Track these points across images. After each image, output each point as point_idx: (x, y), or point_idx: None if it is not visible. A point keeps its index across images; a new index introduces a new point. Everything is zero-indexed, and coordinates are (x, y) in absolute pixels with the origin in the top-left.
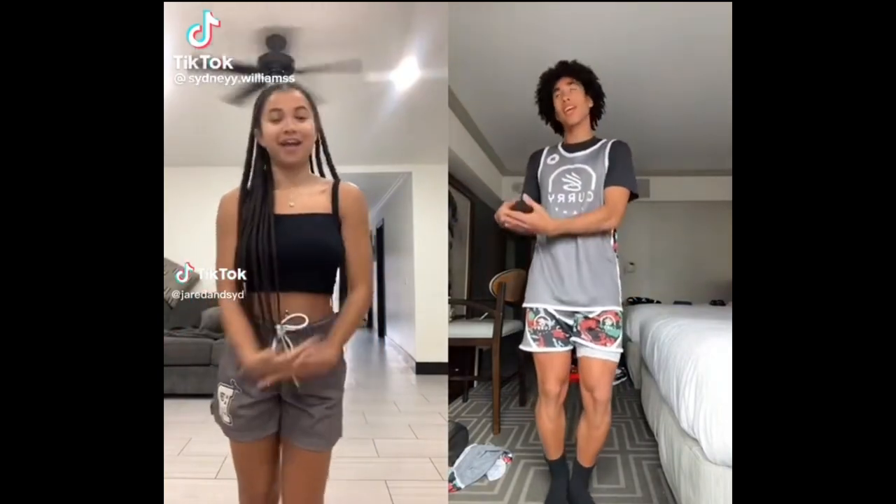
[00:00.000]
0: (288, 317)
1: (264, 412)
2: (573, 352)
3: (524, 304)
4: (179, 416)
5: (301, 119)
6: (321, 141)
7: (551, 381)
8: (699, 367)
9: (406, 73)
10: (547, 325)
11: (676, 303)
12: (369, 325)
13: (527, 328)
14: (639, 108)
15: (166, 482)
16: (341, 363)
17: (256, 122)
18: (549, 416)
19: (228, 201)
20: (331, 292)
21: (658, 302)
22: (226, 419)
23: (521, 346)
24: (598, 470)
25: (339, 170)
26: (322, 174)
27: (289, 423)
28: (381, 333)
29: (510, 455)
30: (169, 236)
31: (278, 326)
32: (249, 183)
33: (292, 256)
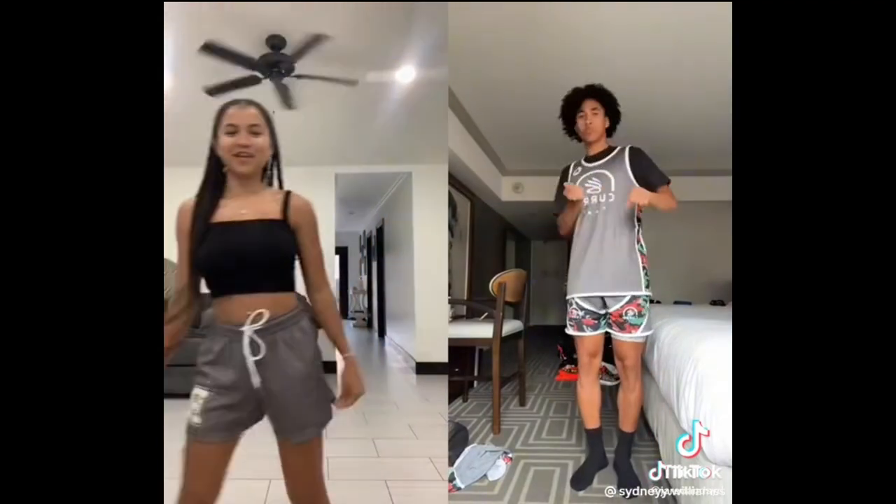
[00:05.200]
0: (250, 316)
1: (235, 416)
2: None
3: (567, 296)
4: (179, 416)
5: (255, 134)
6: (276, 155)
7: (584, 354)
8: (699, 367)
9: (406, 73)
10: (578, 314)
11: (676, 303)
12: (369, 325)
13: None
14: (639, 108)
15: (166, 482)
16: (307, 332)
17: (215, 134)
18: (582, 384)
19: (183, 210)
20: (292, 290)
21: (658, 302)
22: (196, 420)
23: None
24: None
25: (340, 170)
26: (281, 186)
27: (274, 415)
28: (381, 333)
29: (510, 455)
30: (169, 236)
31: (245, 328)
32: (203, 192)
33: (244, 257)
